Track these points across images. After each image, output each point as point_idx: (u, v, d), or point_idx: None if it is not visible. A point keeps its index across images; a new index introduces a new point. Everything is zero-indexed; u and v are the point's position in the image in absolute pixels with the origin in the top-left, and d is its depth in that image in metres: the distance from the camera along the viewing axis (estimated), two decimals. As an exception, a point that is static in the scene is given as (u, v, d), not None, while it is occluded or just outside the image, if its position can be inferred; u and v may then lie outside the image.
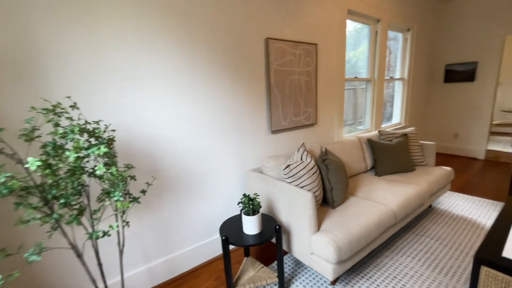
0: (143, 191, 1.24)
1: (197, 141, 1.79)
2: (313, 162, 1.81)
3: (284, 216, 1.69)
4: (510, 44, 5.78)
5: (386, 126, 3.76)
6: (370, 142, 2.66)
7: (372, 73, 3.26)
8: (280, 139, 2.32)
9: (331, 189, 1.83)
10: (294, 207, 1.59)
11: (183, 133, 1.72)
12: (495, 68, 3.95)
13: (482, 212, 2.51)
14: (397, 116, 4.04)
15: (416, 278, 1.71)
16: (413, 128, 2.86)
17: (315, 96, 2.50)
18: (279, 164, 1.91)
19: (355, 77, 3.12)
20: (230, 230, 1.57)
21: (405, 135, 2.69)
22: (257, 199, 1.55)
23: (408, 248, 2.02)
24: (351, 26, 3.00)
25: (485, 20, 3.96)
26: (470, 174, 3.58)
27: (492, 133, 5.85)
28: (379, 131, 2.87)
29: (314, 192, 1.72)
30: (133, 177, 1.16)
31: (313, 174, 1.74)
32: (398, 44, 3.78)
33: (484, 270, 1.22)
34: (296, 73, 2.28)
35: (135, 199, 1.14)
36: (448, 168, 2.60)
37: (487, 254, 1.23)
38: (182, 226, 1.80)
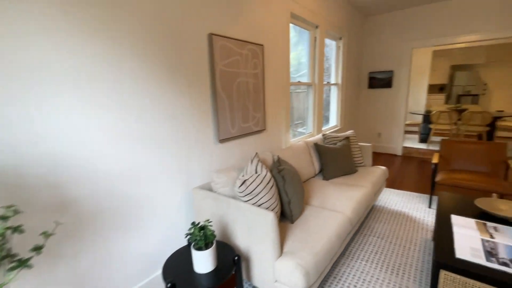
0: (37, 248, 0.81)
1: (127, 158, 1.39)
2: (269, 175, 1.63)
3: (242, 240, 1.46)
4: (416, 57, 6.94)
5: (325, 129, 3.92)
6: (317, 146, 2.67)
7: (313, 77, 3.33)
8: (229, 148, 2.07)
9: (288, 202, 1.68)
10: (254, 230, 1.37)
11: (106, 149, 1.30)
12: (406, 76, 4.60)
13: (412, 205, 2.79)
14: (334, 119, 4.29)
15: (374, 282, 1.71)
16: (352, 131, 3.02)
17: (263, 100, 2.35)
18: (231, 178, 1.67)
19: (299, 81, 3.12)
20: (177, 270, 1.24)
21: (347, 138, 2.80)
22: (209, 227, 1.27)
23: (360, 251, 2.05)
24: (292, 31, 2.99)
25: (397, 35, 4.57)
26: (394, 170, 4.04)
27: (406, 132, 6.92)
28: (323, 135, 2.92)
29: (273, 209, 1.54)
30: (17, 229, 0.74)
31: (270, 189, 1.56)
32: (332, 51, 4.01)
33: (443, 274, 1.24)
34: (244, 75, 2.08)
35: (23, 263, 0.72)
36: (383, 167, 2.81)
37: (444, 258, 1.25)
38: (110, 273, 1.37)
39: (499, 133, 6.14)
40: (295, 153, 2.43)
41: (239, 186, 1.46)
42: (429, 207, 2.75)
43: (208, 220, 1.29)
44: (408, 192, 3.15)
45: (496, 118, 4.93)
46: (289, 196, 1.68)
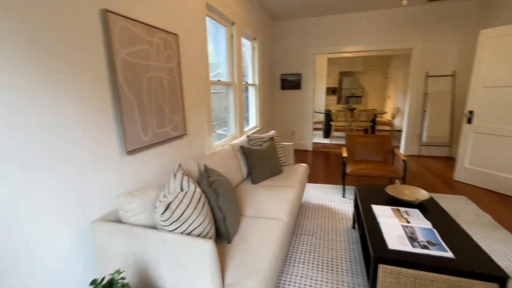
0: None
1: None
2: (198, 190, 1.34)
3: (170, 284, 1.12)
4: (318, 62, 7.84)
5: (246, 130, 3.85)
6: (243, 149, 2.51)
7: (232, 77, 3.17)
8: (142, 161, 1.64)
9: (223, 219, 1.44)
10: (187, 267, 1.06)
11: None
12: (312, 79, 5.08)
13: (329, 196, 3.03)
14: (254, 120, 4.28)
15: (314, 286, 1.68)
16: (274, 131, 3.03)
17: (182, 100, 2.01)
18: (148, 201, 1.28)
19: (218, 79, 2.89)
20: None
21: (271, 138, 2.76)
22: (121, 281, 0.89)
23: (296, 253, 2.01)
24: (209, 25, 2.73)
25: (302, 41, 4.98)
26: (309, 164, 4.38)
27: (314, 129, 7.76)
28: (247, 136, 2.80)
29: (208, 233, 1.26)
30: None
31: (202, 208, 1.28)
32: (248, 51, 3.97)
33: (381, 268, 1.28)
34: (156, 69, 1.69)
35: None
36: (304, 165, 2.93)
37: (380, 252, 1.29)
38: None
39: (378, 127, 7.69)
40: (223, 158, 2.19)
41: (162, 213, 1.12)
42: (343, 196, 3.05)
43: (118, 270, 0.90)
44: (324, 185, 3.43)
45: (376, 115, 6.09)
46: (224, 212, 1.44)
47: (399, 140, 6.09)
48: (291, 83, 5.22)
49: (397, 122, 8.16)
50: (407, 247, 1.31)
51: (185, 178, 1.36)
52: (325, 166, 4.27)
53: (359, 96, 10.13)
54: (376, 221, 1.59)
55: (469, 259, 1.22)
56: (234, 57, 3.12)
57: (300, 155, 5.00)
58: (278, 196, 2.04)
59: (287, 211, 1.83)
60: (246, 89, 4.07)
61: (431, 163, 4.31)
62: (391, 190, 1.99)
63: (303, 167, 2.83)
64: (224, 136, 3.26)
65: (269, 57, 4.91)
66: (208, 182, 1.45)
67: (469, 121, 3.30)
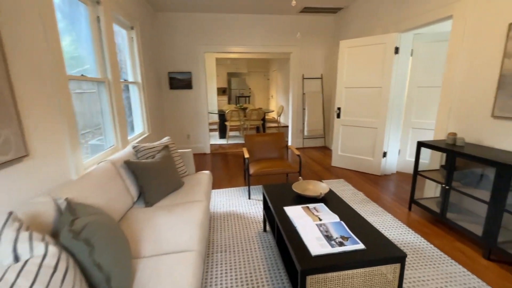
0: None
1: None
2: (53, 252, 0.82)
3: None
4: (207, 61, 7.56)
5: (132, 138, 3.16)
6: (129, 165, 1.96)
7: (104, 72, 2.46)
8: None
9: (107, 280, 0.97)
10: None
11: None
12: (203, 78, 4.83)
13: (235, 201, 2.89)
14: (140, 125, 3.59)
15: (238, 315, 1.45)
16: (168, 137, 2.58)
17: (13, 104, 1.28)
18: None
19: (82, 75, 2.14)
20: None
21: (166, 147, 2.32)
22: None
23: (212, 279, 1.72)
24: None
25: (190, 37, 4.63)
26: (210, 169, 4.13)
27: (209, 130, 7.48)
28: (134, 147, 2.24)
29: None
30: None
31: (62, 284, 0.78)
32: (124, 42, 3.25)
33: (309, 280, 1.19)
34: None
35: None
36: (207, 172, 2.66)
37: (306, 264, 1.20)
38: None
39: (268, 125, 8.34)
40: (99, 182, 1.60)
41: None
42: (249, 198, 2.98)
43: None
44: (228, 189, 3.27)
45: (265, 114, 6.54)
46: (107, 269, 0.97)
47: (286, 135, 6.81)
48: (181, 82, 4.77)
49: (282, 119, 9.18)
50: (327, 248, 1.29)
51: (23, 235, 0.80)
52: (226, 168, 4.14)
53: (248, 96, 10.73)
54: (293, 226, 1.53)
55: (375, 246, 1.32)
56: (105, 47, 2.43)
57: (199, 160, 4.67)
58: (183, 218, 1.67)
59: (198, 236, 1.51)
60: (127, 89, 3.34)
61: (313, 154, 4.98)
62: (297, 187, 2.03)
63: (206, 175, 2.54)
64: (102, 148, 2.51)
65: (154, 52, 4.27)
66: (73, 231, 0.93)
67: (338, 116, 3.97)
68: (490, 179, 2.09)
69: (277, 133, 3.50)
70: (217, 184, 3.47)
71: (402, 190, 3.16)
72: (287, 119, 8.59)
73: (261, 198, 2.99)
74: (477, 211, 2.25)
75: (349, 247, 1.30)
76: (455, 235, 2.20)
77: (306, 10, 4.47)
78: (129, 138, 3.07)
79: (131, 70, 3.38)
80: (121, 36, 3.19)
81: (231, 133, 7.15)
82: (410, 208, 2.65)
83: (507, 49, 2.02)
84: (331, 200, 1.88)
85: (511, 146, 2.03)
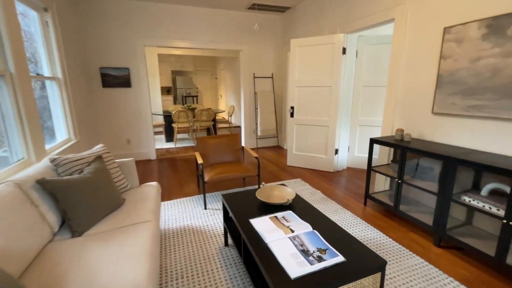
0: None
1: None
2: None
3: None
4: (149, 58, 6.79)
5: (52, 148, 2.53)
6: (44, 184, 1.48)
7: (4, 63, 1.86)
8: None
9: None
10: None
11: None
12: (144, 75, 4.28)
13: (189, 212, 2.56)
14: (63, 130, 2.93)
15: None
16: (101, 144, 2.10)
17: None
18: None
19: (-36, 65, 1.55)
20: None
21: (98, 157, 1.86)
22: None
23: (166, 318, 1.40)
24: None
25: (126, 28, 4.03)
26: (156, 177, 3.65)
27: (154, 133, 6.73)
28: (53, 160, 1.73)
29: None
30: None
31: None
32: (36, 26, 2.58)
33: (291, 310, 1.00)
34: None
35: None
36: (155, 183, 2.27)
37: (287, 289, 1.02)
38: None
39: (219, 125, 8.00)
40: (-8, 216, 1.12)
41: None
42: (205, 208, 2.68)
43: None
44: (180, 199, 2.91)
45: (215, 114, 6.23)
46: None
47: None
48: (116, 79, 4.13)
49: (233, 120, 8.96)
50: (306, 267, 1.12)
51: None
52: (176, 176, 3.72)
53: (196, 96, 10.19)
54: (263, 243, 1.33)
55: (355, 255, 1.22)
56: (3, 30, 1.83)
57: (144, 168, 4.11)
58: (126, 247, 1.32)
59: (146, 270, 1.18)
60: (44, 86, 2.66)
61: (267, 154, 4.91)
62: (261, 195, 1.84)
63: (153, 187, 2.16)
64: (7, 161, 1.90)
65: (80, 44, 3.56)
66: None
67: (292, 115, 3.95)
68: (436, 171, 2.26)
69: (232, 134, 3.28)
70: (167, 195, 3.06)
71: (355, 185, 3.28)
72: (238, 119, 8.42)
73: (219, 206, 2.72)
74: (426, 202, 2.43)
75: (329, 261, 1.16)
76: (408, 226, 2.32)
77: (255, 7, 4.34)
78: (48, 147, 2.44)
79: (47, 63, 2.71)
80: (32, 20, 2.51)
81: (179, 136, 6.61)
82: (365, 203, 2.74)
83: (443, 51, 2.20)
84: (298, 206, 1.75)
85: (448, 139, 2.22)
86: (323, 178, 3.56)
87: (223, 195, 1.95)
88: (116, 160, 2.16)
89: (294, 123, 3.97)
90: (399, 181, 2.29)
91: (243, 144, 5.32)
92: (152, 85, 6.97)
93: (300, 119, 3.89)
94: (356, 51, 3.57)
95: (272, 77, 5.16)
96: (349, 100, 3.71)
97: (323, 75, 3.57)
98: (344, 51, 3.40)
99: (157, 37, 4.22)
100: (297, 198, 1.88)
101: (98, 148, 2.03)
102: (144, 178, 3.62)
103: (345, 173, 3.77)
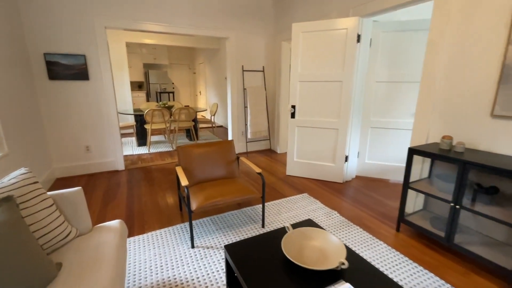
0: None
1: None
2: None
3: None
4: (115, 47, 5.73)
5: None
6: None
7: None
8: None
9: None
10: None
11: None
12: (107, 65, 3.38)
13: (172, 255, 1.82)
14: (-21, 140, 2.01)
15: None
16: (23, 170, 1.29)
17: None
18: None
19: None
20: None
21: (7, 200, 1.06)
22: None
23: None
24: None
25: (81, 4, 3.10)
26: (125, 198, 2.82)
27: (122, 135, 5.71)
28: None
29: None
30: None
31: None
32: None
33: None
34: None
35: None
36: (117, 224, 1.50)
37: None
38: None
39: (200, 125, 7.15)
40: None
41: None
42: (192, 246, 1.95)
43: None
44: (157, 232, 2.14)
45: (196, 113, 5.41)
46: None
47: (224, 138, 5.85)
48: (68, 69, 3.19)
49: (215, 119, 8.14)
50: None
51: None
52: (150, 193, 2.92)
53: (172, 92, 9.20)
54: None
55: None
56: None
57: (108, 184, 3.24)
58: None
59: None
60: None
61: (260, 160, 4.23)
62: (291, 249, 1.16)
63: (114, 231, 1.39)
64: None
65: (13, 21, 2.59)
66: None
67: (293, 115, 3.31)
68: (506, 193, 1.73)
69: (223, 141, 2.56)
70: (138, 224, 2.27)
71: (374, 201, 2.73)
72: (221, 119, 7.63)
73: (211, 242, 2.00)
74: (488, 231, 1.88)
75: None
76: (466, 264, 1.78)
77: (245, -16, 3.61)
78: None
79: None
80: None
81: (153, 138, 5.70)
82: (398, 228, 2.17)
83: (513, 35, 1.66)
84: (357, 270, 1.10)
85: (517, 150, 1.70)
86: (333, 192, 2.96)
87: (226, 248, 1.24)
88: (50, 193, 1.35)
89: (295, 125, 3.32)
90: (456, 206, 1.73)
91: (230, 149, 4.58)
92: (119, 78, 5.96)
93: (302, 121, 3.26)
94: (370, 40, 3.00)
95: (263, 71, 4.48)
96: (361, 97, 3.14)
97: (333, 68, 2.96)
98: (358, 38, 2.80)
99: (123, 17, 3.34)
100: (351, 254, 1.22)
101: (17, 174, 1.22)
102: (106, 201, 2.77)
103: (355, 183, 3.21)
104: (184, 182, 1.92)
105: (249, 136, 4.43)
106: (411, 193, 2.35)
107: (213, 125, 6.06)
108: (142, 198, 2.80)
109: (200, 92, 9.41)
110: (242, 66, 4.29)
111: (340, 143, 3.09)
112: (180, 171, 2.13)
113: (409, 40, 2.86)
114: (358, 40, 2.81)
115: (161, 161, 4.11)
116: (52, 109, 3.22)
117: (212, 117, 6.02)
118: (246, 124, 4.53)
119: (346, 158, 3.17)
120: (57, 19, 3.03)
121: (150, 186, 3.12)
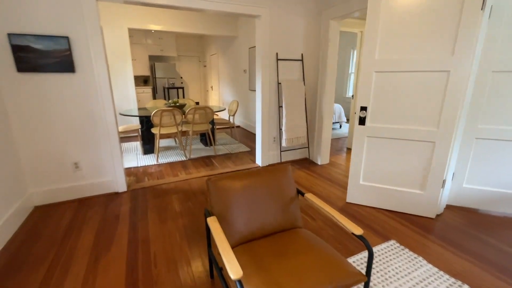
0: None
1: None
2: None
3: None
4: (111, 38, 4.77)
5: None
6: None
7: None
8: None
9: None
10: None
11: None
12: (100, 51, 2.43)
13: None
14: None
15: None
16: None
17: None
18: None
19: None
20: None
21: None
22: None
23: None
24: None
25: (57, -42, 2.15)
26: (124, 238, 1.90)
27: (121, 139, 4.78)
28: None
29: None
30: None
31: None
32: None
33: None
34: None
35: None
36: None
37: None
38: None
39: (216, 127, 6.21)
40: None
41: None
42: None
43: None
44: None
45: (214, 114, 4.46)
46: None
47: (246, 143, 4.89)
48: (45, 57, 2.26)
49: (232, 119, 7.16)
50: None
51: None
52: (164, 236, 2.00)
53: (181, 88, 8.25)
54: None
55: None
56: None
57: (103, 217, 2.33)
58: None
59: None
60: None
61: (299, 175, 3.28)
62: None
63: None
64: None
65: None
66: None
67: (362, 121, 2.32)
68: None
69: (277, 167, 1.62)
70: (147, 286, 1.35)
71: (496, 252, 1.75)
72: (237, 117, 6.65)
73: None
74: None
75: None
76: None
77: None
78: None
79: None
80: None
81: (162, 143, 4.79)
82: None
83: None
84: None
85: None
86: (427, 234, 2.00)
87: None
88: None
89: (365, 135, 2.34)
90: None
91: (258, 161, 3.63)
92: (121, 72, 5.02)
93: (378, 129, 2.28)
94: (491, 7, 1.98)
95: (302, 60, 3.48)
96: (468, 96, 2.14)
97: (434, 51, 1.96)
98: (483, 2, 1.79)
99: (121, -17, 2.38)
100: None
101: None
102: (98, 250, 1.85)
103: (451, 218, 2.24)
104: (236, 275, 0.96)
105: (283, 144, 3.47)
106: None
107: (232, 127, 5.11)
108: (151, 247, 1.88)
109: (212, 87, 8.44)
110: (277, 53, 3.30)
111: (437, 162, 2.10)
112: (215, 228, 1.19)
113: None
114: (483, 6, 1.80)
115: (174, 178, 3.19)
116: (25, 114, 2.30)
117: (231, 117, 5.06)
118: (280, 129, 3.56)
119: (443, 183, 2.19)
120: (24, -17, 2.09)
121: (162, 223, 2.20)
